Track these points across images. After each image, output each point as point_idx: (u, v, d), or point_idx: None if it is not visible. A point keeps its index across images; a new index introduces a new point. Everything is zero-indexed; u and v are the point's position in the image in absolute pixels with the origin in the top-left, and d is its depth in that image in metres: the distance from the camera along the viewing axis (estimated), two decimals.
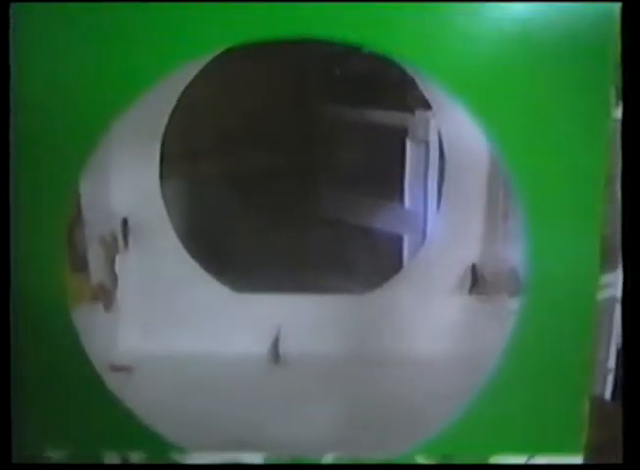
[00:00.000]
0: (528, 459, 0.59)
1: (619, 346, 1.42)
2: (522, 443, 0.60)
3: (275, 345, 0.81)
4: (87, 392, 0.58)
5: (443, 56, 0.54)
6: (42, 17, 0.53)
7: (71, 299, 0.57)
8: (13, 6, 0.52)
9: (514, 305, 0.60)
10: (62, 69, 0.54)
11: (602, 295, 1.35)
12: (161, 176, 0.80)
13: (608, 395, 1.33)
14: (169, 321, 0.81)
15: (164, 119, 0.78)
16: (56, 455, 0.59)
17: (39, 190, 0.55)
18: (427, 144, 1.11)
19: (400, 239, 1.14)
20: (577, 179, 0.56)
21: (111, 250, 0.76)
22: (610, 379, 1.39)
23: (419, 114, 1.11)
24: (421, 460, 0.59)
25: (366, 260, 1.12)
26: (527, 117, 0.55)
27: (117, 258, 0.78)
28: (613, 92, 0.55)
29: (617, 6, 0.52)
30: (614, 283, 1.42)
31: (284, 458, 0.59)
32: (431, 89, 0.78)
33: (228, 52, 0.57)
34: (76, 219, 0.64)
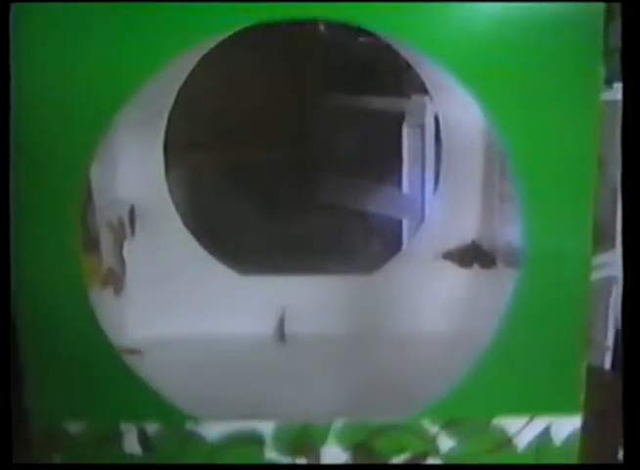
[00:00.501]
0: (529, 420, 0.62)
1: (618, 324, 1.44)
2: (522, 404, 0.62)
3: (280, 324, 0.83)
4: (104, 366, 0.60)
5: (443, 38, 0.55)
6: (44, 8, 0.54)
7: (86, 279, 0.59)
8: (13, 6, 0.53)
9: (512, 276, 0.62)
10: (68, 59, 0.55)
11: (598, 274, 1.37)
12: (166, 165, 0.82)
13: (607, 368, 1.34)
14: (178, 304, 0.83)
15: (167, 110, 0.80)
16: (73, 427, 0.61)
17: (51, 175, 0.57)
18: (423, 128, 1.12)
19: (399, 222, 1.15)
20: (569, 161, 0.57)
21: (119, 235, 0.78)
22: (608, 356, 1.41)
23: (415, 98, 1.12)
24: (426, 423, 0.61)
25: (366, 244, 1.13)
26: (524, 98, 0.56)
27: (125, 244, 0.80)
28: (602, 74, 0.57)
29: None
30: (609, 263, 1.44)
31: (294, 425, 0.62)
32: (428, 73, 0.79)
33: (227, 41, 0.58)
34: (88, 203, 0.66)
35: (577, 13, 0.54)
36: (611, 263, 1.39)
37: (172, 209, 0.83)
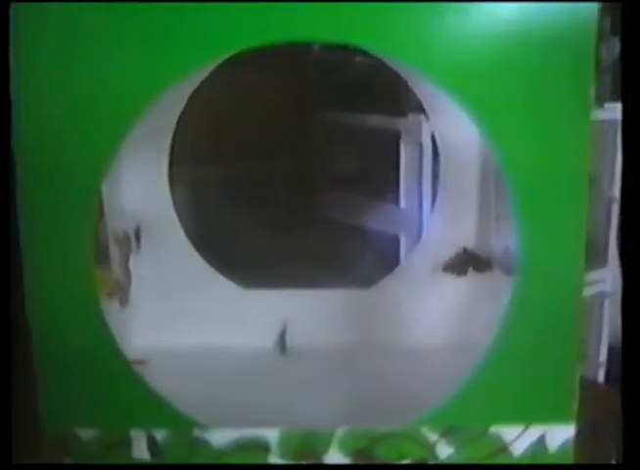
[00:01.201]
0: (525, 428, 0.63)
1: (611, 339, 1.46)
2: (518, 414, 0.63)
3: (282, 337, 0.85)
4: (114, 374, 0.62)
5: (437, 55, 0.57)
6: (48, 20, 0.56)
7: (97, 290, 0.61)
8: (13, 6, 0.54)
9: (507, 289, 0.63)
10: (83, 73, 0.56)
11: (591, 290, 1.40)
12: (170, 180, 0.84)
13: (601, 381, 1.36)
14: (181, 317, 0.84)
15: (172, 127, 0.81)
16: (84, 433, 0.63)
17: (65, 188, 0.59)
18: (420, 146, 1.14)
19: (397, 238, 1.17)
20: (563, 178, 0.59)
21: (124, 248, 0.80)
22: (601, 371, 1.44)
23: (412, 117, 1.14)
24: (425, 431, 0.63)
25: (364, 258, 1.15)
26: (518, 116, 0.58)
27: (131, 257, 0.81)
28: (592, 94, 0.58)
29: (596, 7, 0.55)
30: (602, 279, 1.47)
31: (298, 432, 0.63)
32: (424, 92, 0.81)
33: (230, 61, 0.60)
34: (100, 217, 0.68)
35: (570, 33, 0.56)
36: (604, 279, 1.42)
37: (177, 223, 0.85)
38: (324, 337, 0.84)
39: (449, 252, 0.86)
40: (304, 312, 0.86)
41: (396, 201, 1.19)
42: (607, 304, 1.47)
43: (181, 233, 0.85)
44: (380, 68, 0.71)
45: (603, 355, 1.47)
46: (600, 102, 1.13)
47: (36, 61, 0.56)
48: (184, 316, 0.84)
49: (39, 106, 0.57)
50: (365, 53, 0.58)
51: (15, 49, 0.55)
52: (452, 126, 0.80)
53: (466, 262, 0.85)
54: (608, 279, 1.43)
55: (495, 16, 0.56)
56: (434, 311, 0.85)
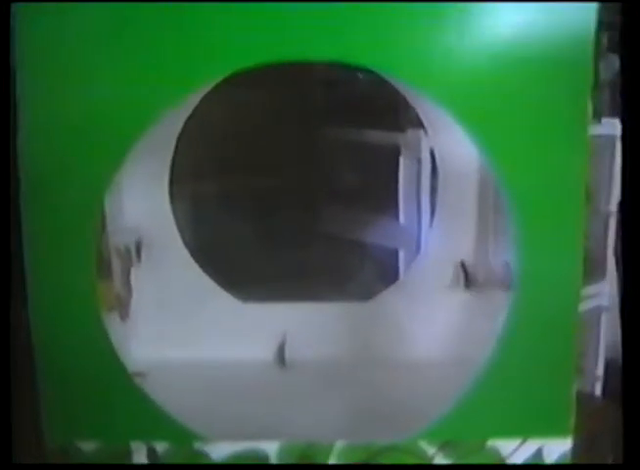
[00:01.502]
0: (522, 442, 0.64)
1: (608, 353, 1.47)
2: (516, 427, 0.64)
3: (281, 350, 0.85)
4: (114, 387, 0.62)
5: (435, 73, 0.58)
6: (52, 31, 0.57)
7: (99, 303, 0.62)
8: (15, 7, 0.55)
9: (505, 304, 0.64)
10: (88, 86, 0.57)
11: (588, 305, 1.40)
12: (171, 196, 0.84)
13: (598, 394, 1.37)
14: (181, 330, 0.84)
15: (173, 143, 0.82)
16: (85, 446, 0.63)
17: (69, 201, 0.59)
18: (419, 161, 1.15)
19: (396, 252, 1.18)
20: (560, 194, 0.59)
21: (125, 262, 0.81)
22: (598, 385, 1.44)
23: (411, 133, 1.15)
24: (424, 444, 0.64)
25: (363, 273, 1.16)
26: (516, 132, 0.59)
27: (132, 271, 0.82)
28: (590, 109, 0.58)
29: (594, 24, 0.56)
30: (599, 294, 1.47)
31: (298, 444, 0.64)
32: (423, 108, 0.82)
33: (231, 78, 0.61)
34: (102, 230, 0.69)
35: (568, 50, 0.57)
36: (601, 294, 1.43)
37: (178, 237, 0.85)
38: (323, 350, 0.85)
39: (448, 266, 0.87)
40: (303, 325, 0.86)
41: (395, 215, 1.19)
42: (604, 318, 1.47)
43: (182, 247, 0.86)
44: (380, 84, 0.72)
45: (600, 370, 1.47)
46: (598, 117, 1.15)
47: (40, 76, 0.57)
48: (184, 329, 0.85)
49: (43, 121, 0.58)
50: (365, 70, 0.59)
51: (18, 64, 0.56)
52: (451, 142, 0.81)
53: (464, 277, 0.86)
54: (605, 293, 1.43)
55: (494, 33, 0.57)
56: (433, 325, 0.86)
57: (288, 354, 0.85)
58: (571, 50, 0.57)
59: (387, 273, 1.10)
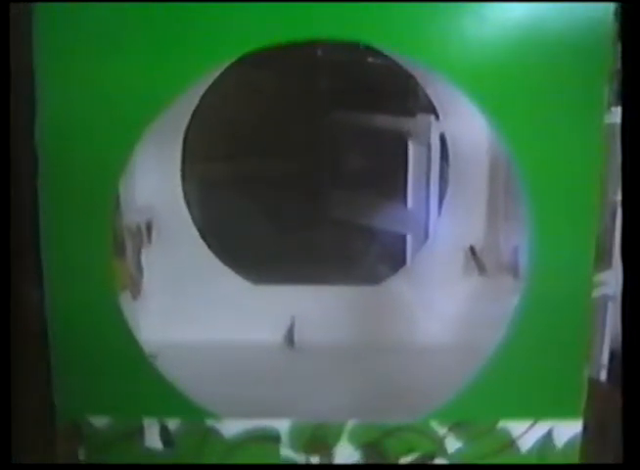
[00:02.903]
0: (533, 423, 0.64)
1: (613, 342, 1.47)
2: (526, 409, 0.64)
3: (290, 332, 0.86)
4: (129, 364, 0.63)
5: (453, 55, 0.58)
6: (70, 23, 0.57)
7: (114, 281, 0.62)
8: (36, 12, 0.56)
9: (516, 288, 0.65)
10: (103, 70, 0.58)
11: (595, 293, 1.40)
12: (183, 177, 0.85)
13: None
14: (192, 311, 0.85)
15: (185, 125, 0.83)
16: (97, 421, 0.64)
17: (85, 182, 0.60)
18: (429, 146, 1.15)
19: (404, 238, 1.18)
20: (574, 180, 0.59)
21: (137, 242, 0.81)
22: (603, 373, 1.44)
23: (421, 117, 1.15)
24: (435, 425, 0.64)
25: (371, 257, 1.16)
26: (531, 116, 0.58)
27: (143, 251, 0.83)
28: (606, 95, 0.59)
29: (612, 10, 0.56)
30: (606, 282, 1.47)
31: (309, 423, 0.64)
32: (435, 91, 0.82)
33: (241, 60, 0.61)
34: (116, 210, 0.69)
35: (586, 35, 0.57)
36: (608, 282, 1.43)
37: (188, 218, 0.86)
38: (331, 332, 0.85)
39: (457, 251, 0.87)
40: (312, 308, 0.87)
41: (404, 201, 1.19)
42: (610, 306, 1.47)
43: (192, 228, 0.86)
44: (389, 68, 0.72)
45: (605, 357, 1.47)
46: (610, 105, 1.13)
47: (58, 64, 0.58)
48: (194, 310, 0.85)
49: (62, 107, 0.59)
50: (375, 53, 0.59)
51: (37, 51, 0.57)
52: (463, 126, 0.81)
53: (473, 262, 0.86)
54: (611, 282, 1.43)
55: (512, 17, 0.57)
56: (442, 310, 0.86)
57: (297, 337, 0.85)
58: (590, 35, 0.57)
59: (394, 258, 1.10)
